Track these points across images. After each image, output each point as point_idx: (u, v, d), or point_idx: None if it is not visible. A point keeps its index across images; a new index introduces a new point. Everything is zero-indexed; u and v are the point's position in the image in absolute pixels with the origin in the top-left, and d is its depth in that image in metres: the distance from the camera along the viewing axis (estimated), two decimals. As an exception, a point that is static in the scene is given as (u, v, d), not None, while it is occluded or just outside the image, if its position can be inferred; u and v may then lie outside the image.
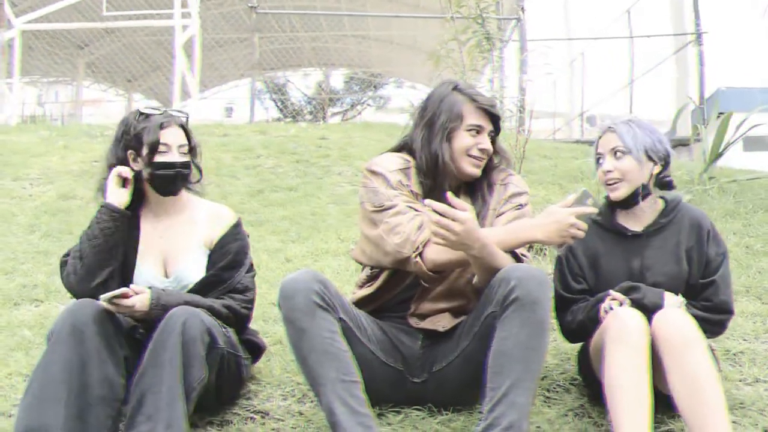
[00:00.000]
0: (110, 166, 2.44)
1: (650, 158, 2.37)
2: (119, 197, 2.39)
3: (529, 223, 2.22)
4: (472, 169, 2.38)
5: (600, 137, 2.43)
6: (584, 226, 2.12)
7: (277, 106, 22.43)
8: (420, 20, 13.22)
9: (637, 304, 2.24)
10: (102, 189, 2.46)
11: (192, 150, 2.50)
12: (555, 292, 2.44)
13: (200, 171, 2.56)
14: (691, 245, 2.38)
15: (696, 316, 2.25)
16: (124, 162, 2.43)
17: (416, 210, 2.29)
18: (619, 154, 2.36)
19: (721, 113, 6.01)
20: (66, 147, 6.73)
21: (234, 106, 23.35)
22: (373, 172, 2.37)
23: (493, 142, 2.42)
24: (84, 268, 2.30)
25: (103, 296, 2.18)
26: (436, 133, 2.36)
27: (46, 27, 12.12)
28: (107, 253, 2.34)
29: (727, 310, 2.36)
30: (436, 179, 2.36)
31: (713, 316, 2.34)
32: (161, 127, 2.41)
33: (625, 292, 2.29)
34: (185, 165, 2.45)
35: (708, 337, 2.31)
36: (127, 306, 2.20)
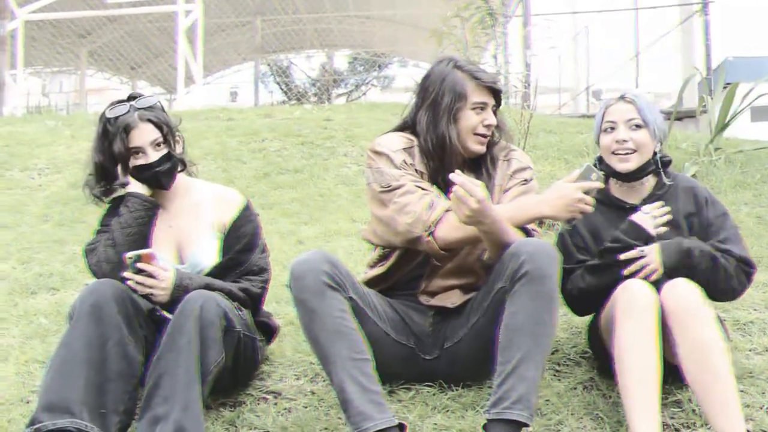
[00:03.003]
0: (101, 164, 2.42)
1: (656, 135, 2.39)
2: (142, 188, 2.42)
3: (537, 198, 2.23)
4: (478, 146, 2.39)
5: (610, 105, 2.42)
6: (591, 200, 2.14)
7: (282, 89, 22.35)
8: (424, -2, 13.13)
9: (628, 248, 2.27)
10: (89, 185, 2.46)
11: (166, 138, 2.42)
12: None
13: (183, 163, 2.50)
14: (689, 211, 2.41)
15: (726, 268, 2.26)
16: (114, 167, 2.41)
17: (424, 189, 2.31)
18: (635, 126, 2.37)
19: (728, 84, 5.97)
20: (72, 136, 6.74)
21: (238, 90, 23.30)
22: (377, 153, 2.38)
23: (494, 114, 2.42)
24: (118, 256, 2.32)
25: (128, 254, 2.21)
26: (441, 115, 2.36)
27: (49, 17, 12.10)
28: (141, 241, 2.38)
29: (750, 264, 2.35)
30: (443, 160, 2.36)
31: (743, 267, 2.33)
32: (126, 131, 2.35)
33: (610, 250, 2.31)
34: (162, 161, 2.40)
35: (731, 298, 2.37)
36: (150, 281, 2.23)
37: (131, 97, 2.45)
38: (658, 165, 2.42)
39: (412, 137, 2.43)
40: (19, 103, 10.78)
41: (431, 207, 2.24)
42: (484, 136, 2.38)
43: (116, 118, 2.37)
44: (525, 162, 2.47)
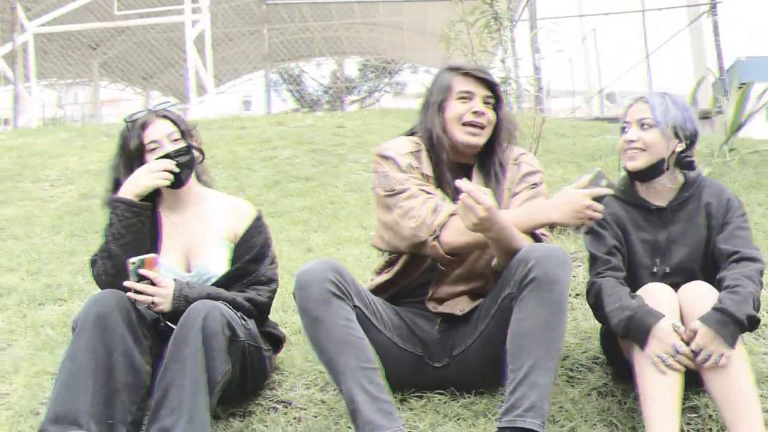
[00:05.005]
0: (116, 180, 2.46)
1: (676, 135, 2.33)
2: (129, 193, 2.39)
3: (545, 204, 2.20)
4: (468, 137, 2.34)
5: (630, 106, 2.39)
6: (600, 207, 2.10)
7: (294, 97, 22.44)
8: (430, 3, 13.13)
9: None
10: (108, 203, 2.45)
11: (184, 134, 2.46)
12: (589, 253, 2.39)
13: (201, 152, 2.52)
14: (710, 211, 2.34)
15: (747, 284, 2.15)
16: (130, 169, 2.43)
17: (429, 193, 2.28)
18: (646, 125, 2.32)
19: (743, 84, 5.91)
20: (84, 147, 6.78)
21: (252, 99, 23.37)
22: (383, 157, 2.37)
23: (497, 111, 2.39)
24: (115, 267, 2.31)
25: (132, 258, 2.21)
26: (429, 110, 2.38)
27: (59, 29, 12.18)
28: (137, 249, 2.34)
29: (757, 260, 2.24)
30: (436, 155, 2.35)
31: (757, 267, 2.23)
32: (143, 128, 2.40)
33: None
34: (179, 152, 2.42)
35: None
36: (152, 289, 2.22)
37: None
38: (662, 164, 2.34)
39: (420, 141, 2.42)
40: (35, 115, 10.84)
41: (435, 211, 2.22)
42: (473, 125, 2.34)
43: (134, 120, 2.43)
44: (534, 166, 2.44)
